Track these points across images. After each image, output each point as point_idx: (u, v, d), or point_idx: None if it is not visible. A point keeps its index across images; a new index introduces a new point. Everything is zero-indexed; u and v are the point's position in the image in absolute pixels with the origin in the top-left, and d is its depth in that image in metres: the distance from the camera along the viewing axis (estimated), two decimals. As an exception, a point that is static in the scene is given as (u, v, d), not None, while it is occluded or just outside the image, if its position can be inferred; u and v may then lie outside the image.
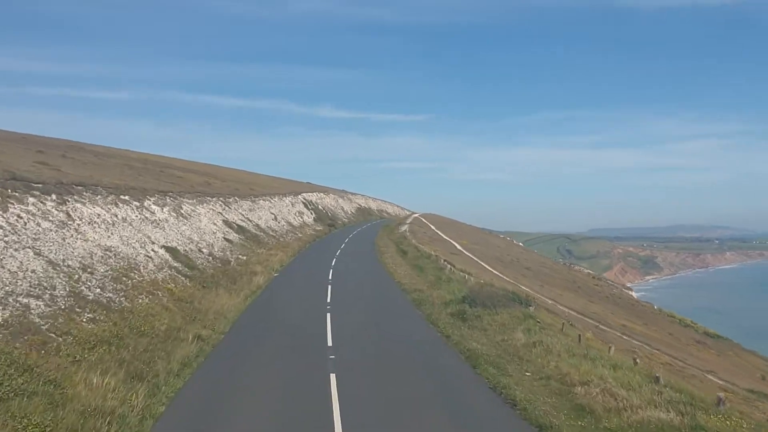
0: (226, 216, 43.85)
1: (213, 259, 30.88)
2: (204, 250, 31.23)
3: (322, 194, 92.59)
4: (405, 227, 71.83)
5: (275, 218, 58.62)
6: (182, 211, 35.61)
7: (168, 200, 35.76)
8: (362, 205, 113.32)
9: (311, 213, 75.42)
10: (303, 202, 76.35)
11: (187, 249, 29.19)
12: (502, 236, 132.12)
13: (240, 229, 42.85)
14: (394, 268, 36.19)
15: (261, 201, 59.55)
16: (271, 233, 51.72)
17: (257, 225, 50.06)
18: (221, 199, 48.14)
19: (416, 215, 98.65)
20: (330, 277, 32.08)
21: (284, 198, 69.93)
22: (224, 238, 37.46)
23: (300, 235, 59.53)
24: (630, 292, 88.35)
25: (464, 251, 60.95)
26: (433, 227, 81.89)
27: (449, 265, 35.35)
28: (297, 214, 69.12)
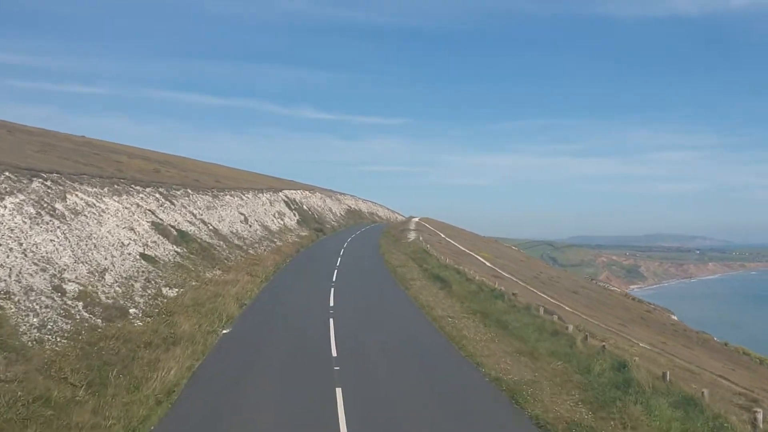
0: (161, 216, 27.06)
1: (88, 308, 14.12)
2: (70, 287, 14.48)
3: (307, 192, 76.02)
4: (414, 234, 55.63)
5: (245, 220, 41.85)
6: (60, 207, 18.81)
7: (36, 185, 18.94)
8: (352, 206, 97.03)
9: (294, 214, 58.83)
10: (285, 201, 59.74)
11: (20, 290, 12.53)
12: (505, 243, 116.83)
13: (181, 238, 26.13)
14: (448, 320, 19.51)
15: (227, 197, 42.74)
16: (236, 242, 35.05)
17: (215, 230, 33.34)
18: (160, 189, 31.29)
19: (416, 219, 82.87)
20: (333, 348, 15.39)
21: (261, 194, 53.19)
22: (141, 255, 20.68)
23: (279, 243, 42.86)
24: (671, 316, 73.47)
25: (497, 269, 45.02)
26: (442, 234, 65.87)
27: (546, 312, 18.98)
28: (277, 215, 52.44)
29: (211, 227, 33.18)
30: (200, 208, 34.78)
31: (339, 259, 38.45)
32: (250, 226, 41.75)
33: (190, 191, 36.26)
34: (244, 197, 46.90)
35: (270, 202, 53.30)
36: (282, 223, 51.44)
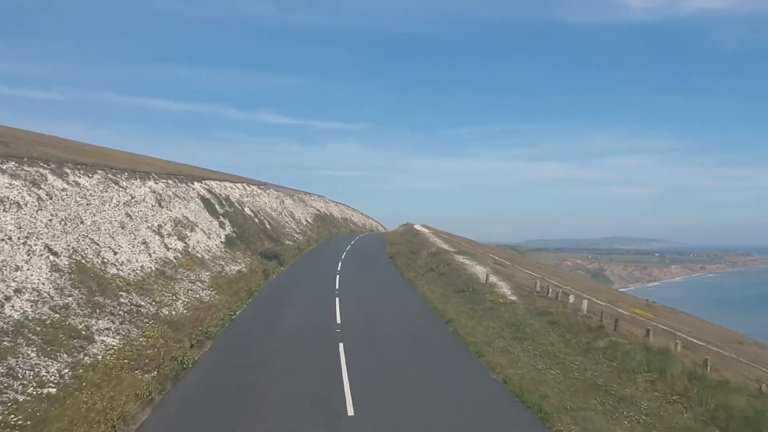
0: None
1: None
2: None
3: (255, 189, 47.20)
4: (482, 269, 27.56)
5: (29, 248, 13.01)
6: None
7: None
8: (322, 210, 68.63)
9: (223, 224, 30.03)
10: (203, 199, 30.83)
11: None
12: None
13: None
14: None
15: (55, 179, 13.91)
16: None
17: None
18: None
19: (422, 228, 55.21)
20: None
21: (151, 182, 24.27)
22: None
23: (163, 300, 14.20)
24: None
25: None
26: (499, 258, 38.49)
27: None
28: (173, 227, 23.55)
29: None
30: None
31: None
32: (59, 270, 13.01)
33: None
34: (107, 188, 18.03)
35: (158, 201, 24.24)
36: (181, 247, 22.51)
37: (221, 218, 30.58)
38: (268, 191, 52.22)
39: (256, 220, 37.99)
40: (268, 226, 39.86)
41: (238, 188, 41.63)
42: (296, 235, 46.15)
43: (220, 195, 34.93)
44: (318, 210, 66.89)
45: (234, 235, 30.06)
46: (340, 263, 30.89)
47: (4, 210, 13.98)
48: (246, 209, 38.13)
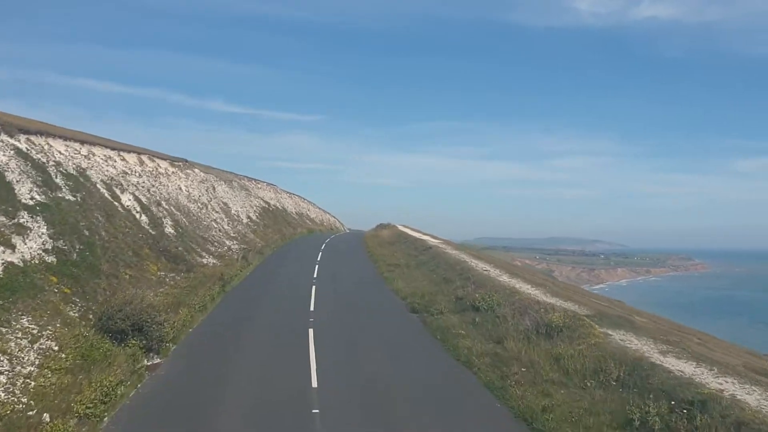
0: None
1: None
2: None
3: (162, 165, 28.83)
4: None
5: None
6: None
7: None
8: (272, 203, 50.48)
9: (26, 229, 12.20)
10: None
11: None
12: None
13: None
14: None
15: None
16: None
17: None
18: None
19: (404, 228, 38.26)
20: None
21: None
22: None
23: None
24: None
25: None
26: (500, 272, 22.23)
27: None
28: None
29: None
30: None
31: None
32: None
33: None
34: None
35: None
36: None
37: (25, 214, 12.56)
38: (189, 171, 33.64)
39: (142, 218, 19.75)
40: (170, 229, 21.66)
41: (120, 162, 23.15)
42: (228, 243, 28.04)
43: (60, 165, 16.68)
44: (267, 203, 48.42)
45: (57, 256, 12.20)
46: (311, 352, 13.17)
47: None
48: (125, 198, 19.83)
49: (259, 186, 52.44)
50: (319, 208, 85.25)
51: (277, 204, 52.30)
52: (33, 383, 8.40)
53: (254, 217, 40.19)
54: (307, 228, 54.44)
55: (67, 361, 9.38)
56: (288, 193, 64.96)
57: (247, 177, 51.35)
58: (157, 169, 27.60)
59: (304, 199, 76.09)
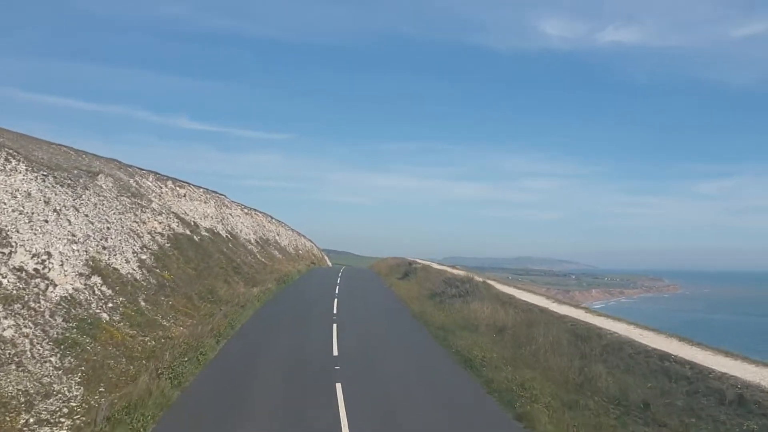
0: None
1: None
2: None
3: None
4: None
5: None
6: None
7: None
8: (202, 226, 31.81)
9: None
10: None
11: None
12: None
13: None
14: None
15: None
16: None
17: None
18: None
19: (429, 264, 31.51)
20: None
21: None
22: None
23: None
24: None
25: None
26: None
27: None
28: None
29: None
30: None
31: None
32: None
33: None
34: None
35: None
36: None
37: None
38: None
39: None
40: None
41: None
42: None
43: None
44: (192, 223, 30.17)
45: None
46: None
47: None
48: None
49: (187, 192, 34.78)
50: (292, 230, 71.96)
51: (217, 227, 35.69)
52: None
53: (150, 260, 20.71)
54: (281, 271, 37.12)
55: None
56: (245, 208, 49.29)
57: (155, 173, 32.35)
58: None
59: (272, 219, 61.34)
